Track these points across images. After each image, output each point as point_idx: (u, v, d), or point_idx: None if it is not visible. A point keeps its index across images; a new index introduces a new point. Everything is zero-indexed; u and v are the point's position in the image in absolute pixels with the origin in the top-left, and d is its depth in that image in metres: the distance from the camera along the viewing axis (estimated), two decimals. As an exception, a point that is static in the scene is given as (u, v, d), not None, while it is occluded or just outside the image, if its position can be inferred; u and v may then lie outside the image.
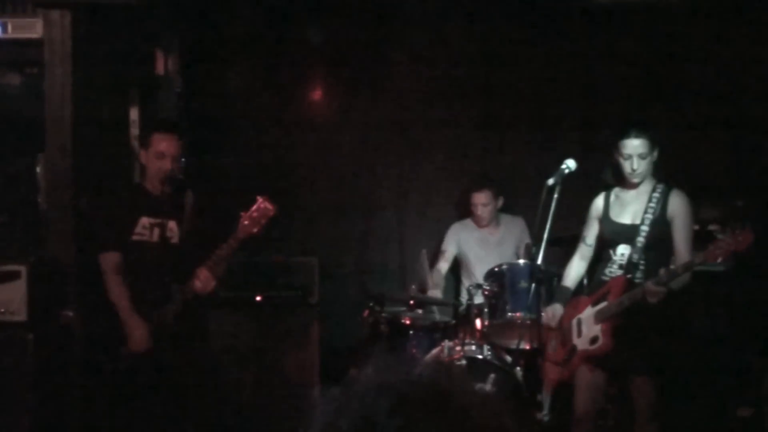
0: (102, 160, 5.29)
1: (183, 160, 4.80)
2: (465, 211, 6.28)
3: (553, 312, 4.93)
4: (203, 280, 4.45)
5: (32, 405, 4.53)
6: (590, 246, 4.96)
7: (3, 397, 4.49)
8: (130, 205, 4.63)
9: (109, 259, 4.56)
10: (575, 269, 5.02)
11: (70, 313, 4.80)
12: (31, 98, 4.99)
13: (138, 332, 4.46)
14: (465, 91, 6.68)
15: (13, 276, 4.52)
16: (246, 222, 4.36)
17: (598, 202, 4.90)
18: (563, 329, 4.89)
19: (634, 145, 4.62)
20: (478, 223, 6.17)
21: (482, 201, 6.07)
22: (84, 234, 4.84)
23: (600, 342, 4.68)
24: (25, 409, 4.51)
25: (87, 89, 5.04)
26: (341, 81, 6.75)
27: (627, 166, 4.64)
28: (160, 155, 4.56)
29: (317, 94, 6.84)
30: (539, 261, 4.96)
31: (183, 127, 4.98)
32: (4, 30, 4.83)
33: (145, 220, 4.59)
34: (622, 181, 4.78)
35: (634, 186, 4.73)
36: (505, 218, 6.21)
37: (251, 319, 5.90)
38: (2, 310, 4.51)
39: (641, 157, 4.62)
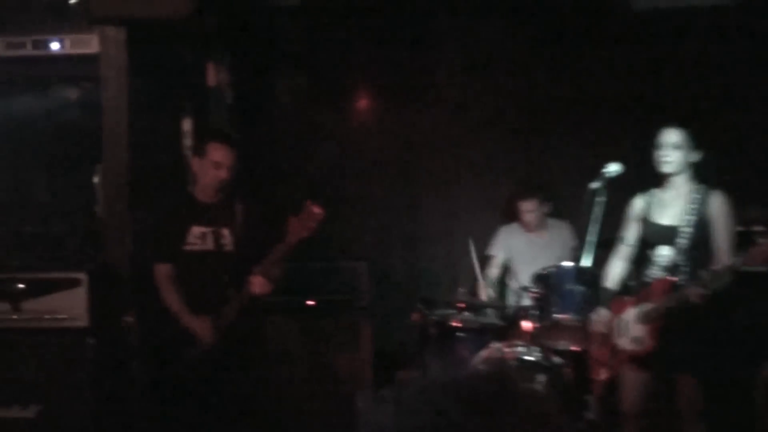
0: (156, 169, 5.31)
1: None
2: (512, 215, 6.20)
3: (601, 317, 4.87)
4: (259, 284, 4.46)
5: (93, 409, 4.54)
6: (630, 246, 4.91)
7: (65, 401, 4.49)
8: (181, 215, 4.63)
9: (162, 271, 4.60)
10: (616, 270, 4.97)
11: (130, 319, 4.78)
12: (88, 111, 5.00)
13: (203, 328, 4.48)
14: (510, 95, 6.60)
15: (74, 283, 4.54)
16: (296, 226, 4.37)
17: (637, 203, 4.86)
18: (606, 330, 4.85)
19: (667, 135, 4.61)
20: (526, 228, 6.11)
21: (529, 208, 6.02)
22: (141, 243, 4.83)
23: (643, 342, 4.63)
24: (87, 414, 4.51)
25: (141, 101, 5.04)
26: (386, 89, 6.71)
27: (659, 155, 4.61)
28: (216, 164, 4.57)
29: (363, 103, 6.81)
30: (586, 263, 4.90)
31: (234, 137, 4.97)
32: (63, 46, 4.87)
33: (196, 230, 4.60)
34: (660, 180, 4.73)
35: (672, 186, 4.67)
36: (552, 222, 6.15)
37: (303, 323, 5.90)
38: (64, 316, 4.51)
39: (674, 147, 4.60)
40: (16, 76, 5.06)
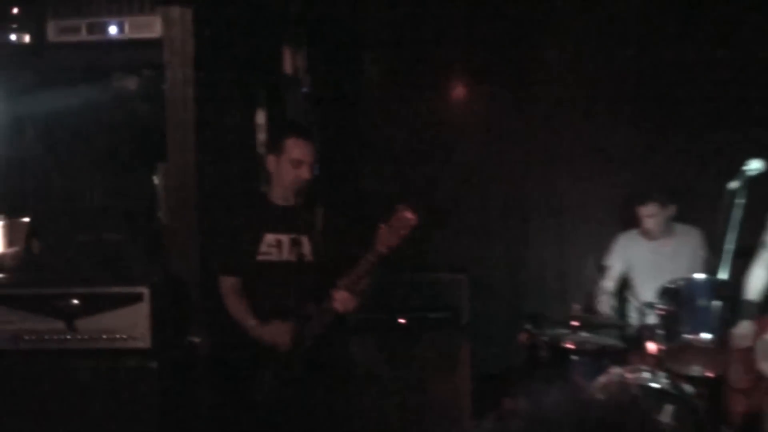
0: (227, 168, 5.28)
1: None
2: (631, 221, 6.00)
3: (744, 331, 4.74)
4: (343, 299, 4.35)
5: (158, 438, 4.46)
6: (774, 253, 4.70)
7: (127, 430, 4.46)
8: (254, 220, 4.56)
9: (227, 284, 4.55)
10: (758, 280, 4.87)
11: (197, 339, 4.77)
12: (149, 103, 5.00)
13: (278, 333, 4.40)
14: (626, 89, 6.52)
15: (135, 298, 4.48)
16: (385, 234, 4.25)
17: None
18: (747, 352, 4.74)
19: None
20: (647, 236, 5.92)
21: (649, 213, 5.83)
22: (209, 252, 4.80)
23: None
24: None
25: (210, 92, 5.02)
26: (488, 83, 6.66)
27: None
28: (296, 163, 4.47)
29: (462, 96, 6.76)
30: (722, 275, 4.75)
31: (313, 132, 4.91)
32: (121, 30, 4.81)
33: (270, 237, 4.51)
34: None
35: None
36: (679, 228, 5.94)
37: (394, 343, 5.89)
38: (124, 336, 4.46)
39: None
40: (69, 65, 5.03)
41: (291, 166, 4.48)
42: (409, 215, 4.24)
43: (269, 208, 4.56)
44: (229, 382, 4.60)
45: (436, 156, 6.62)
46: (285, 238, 4.51)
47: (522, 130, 6.64)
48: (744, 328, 4.76)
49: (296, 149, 4.49)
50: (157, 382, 4.49)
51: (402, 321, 5.94)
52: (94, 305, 4.49)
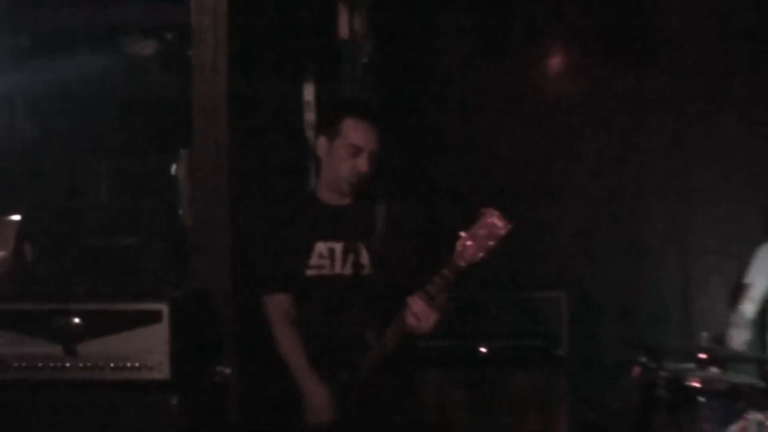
0: (267, 157, 5.21)
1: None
2: None
3: None
4: (420, 311, 4.09)
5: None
6: None
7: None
8: (302, 224, 4.37)
9: (276, 304, 4.37)
10: None
11: (227, 370, 4.68)
12: (172, 74, 5.02)
13: (318, 399, 4.26)
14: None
15: (152, 318, 4.35)
16: (467, 244, 3.99)
17: None
18: None
19: None
20: None
21: None
22: (244, 263, 4.66)
23: None
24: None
25: (247, 60, 4.94)
26: (594, 55, 6.56)
27: None
28: (354, 150, 4.24)
29: (561, 72, 6.73)
30: None
31: (376, 111, 4.65)
32: None
33: (321, 246, 4.32)
34: None
35: None
36: None
37: (473, 378, 5.82)
38: (137, 364, 4.33)
39: None
40: (71, 24, 5.03)
41: (347, 153, 4.26)
42: (498, 221, 3.98)
43: (319, 209, 4.37)
44: (263, 426, 4.51)
45: (530, 146, 6.47)
46: (338, 246, 4.33)
47: (635, 117, 6.49)
48: None
49: (354, 133, 4.27)
50: (177, 422, 4.39)
51: (483, 350, 5.86)
52: (99, 326, 4.36)
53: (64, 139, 5.19)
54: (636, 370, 5.34)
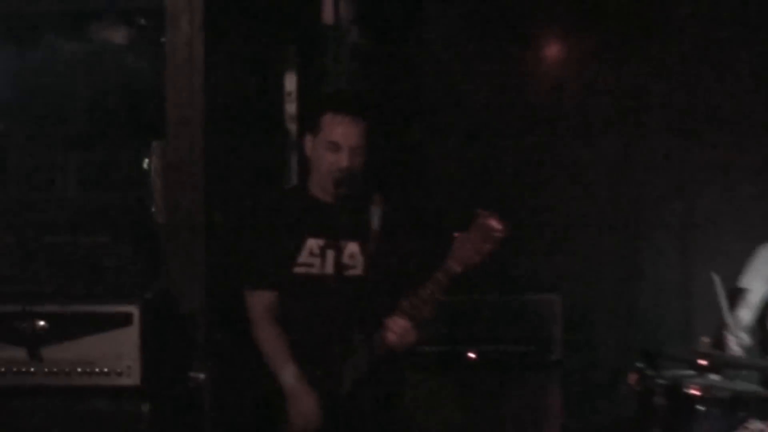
0: (246, 150, 5.19)
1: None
2: None
3: None
4: (399, 330, 4.13)
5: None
6: None
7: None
8: (290, 220, 4.32)
9: (260, 301, 4.33)
10: None
11: (202, 375, 4.63)
12: (144, 63, 4.89)
13: (303, 404, 4.19)
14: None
15: (122, 320, 4.29)
16: (462, 247, 4.04)
17: None
18: None
19: None
20: None
21: None
22: (221, 262, 4.73)
23: None
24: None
25: (224, 48, 4.92)
26: (599, 44, 6.51)
27: None
28: (333, 146, 4.20)
29: (561, 57, 6.66)
30: None
31: (364, 103, 4.61)
32: None
33: (312, 243, 4.28)
34: None
35: None
36: None
37: (463, 384, 5.78)
38: (105, 369, 4.27)
39: None
40: (45, 11, 4.92)
41: (327, 149, 4.22)
42: (494, 224, 3.99)
43: (308, 206, 4.33)
44: None
45: (528, 138, 6.42)
46: (327, 245, 4.30)
47: (636, 112, 6.43)
48: None
49: (334, 129, 4.24)
50: (148, 431, 4.33)
51: (472, 356, 5.81)
52: (66, 328, 4.30)
53: (28, 131, 5.02)
54: (633, 377, 5.09)
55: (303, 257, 4.30)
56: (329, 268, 4.31)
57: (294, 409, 4.21)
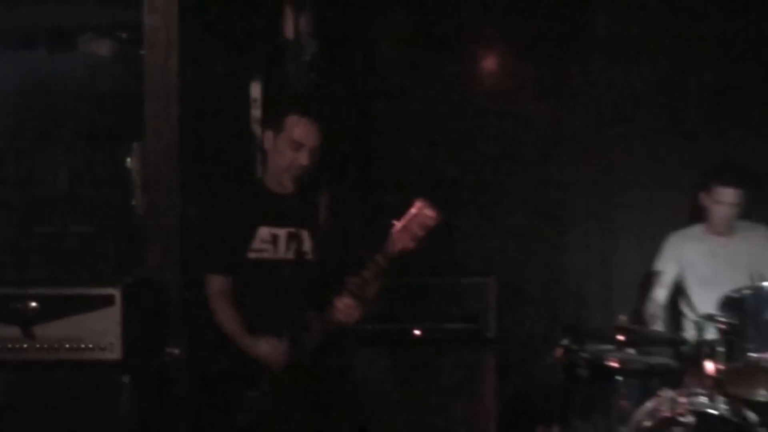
0: (215, 150, 5.25)
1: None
2: (694, 216, 5.97)
3: None
4: (346, 308, 4.30)
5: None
6: None
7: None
8: (246, 211, 4.51)
9: (214, 285, 4.52)
10: None
11: (177, 350, 4.75)
12: (125, 71, 4.98)
13: (273, 351, 4.36)
14: (704, 48, 6.44)
15: (105, 302, 4.44)
16: (399, 233, 4.20)
17: None
18: None
19: None
20: (712, 228, 5.86)
21: (729, 199, 5.74)
22: (193, 249, 4.75)
23: None
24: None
25: (196, 58, 4.99)
26: (526, 51, 6.60)
27: None
28: (295, 145, 4.42)
29: (495, 68, 6.78)
30: None
31: (319, 108, 4.80)
32: None
33: (264, 231, 4.47)
34: None
35: None
36: (743, 226, 5.87)
37: (407, 358, 5.87)
38: (91, 345, 4.43)
39: None
40: (33, 26, 5.01)
41: (289, 148, 4.43)
42: (428, 212, 4.18)
43: (264, 197, 4.51)
44: (211, 401, 4.56)
45: (462, 138, 6.55)
46: (282, 233, 4.47)
47: (564, 110, 6.60)
48: None
49: (297, 129, 4.44)
50: (128, 400, 4.47)
51: (417, 332, 5.93)
52: (54, 309, 4.44)
53: (19, 132, 5.12)
54: (559, 351, 5.44)
55: (256, 243, 4.45)
56: (281, 253, 4.46)
57: (260, 355, 4.34)
